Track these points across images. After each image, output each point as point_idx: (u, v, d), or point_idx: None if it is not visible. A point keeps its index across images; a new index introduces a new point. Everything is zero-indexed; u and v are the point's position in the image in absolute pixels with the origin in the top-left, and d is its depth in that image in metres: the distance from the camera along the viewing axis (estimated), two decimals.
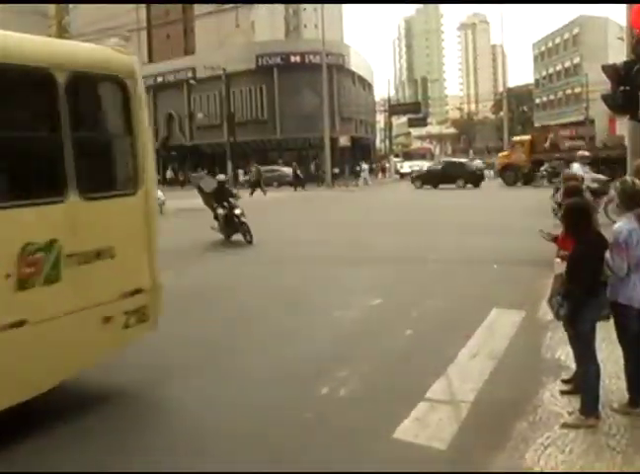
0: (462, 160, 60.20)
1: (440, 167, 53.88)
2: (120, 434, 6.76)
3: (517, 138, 56.47)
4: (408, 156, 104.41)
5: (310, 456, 6.19)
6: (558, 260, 6.73)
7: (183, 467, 5.99)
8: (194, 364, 8.95)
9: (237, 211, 20.99)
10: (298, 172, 54.35)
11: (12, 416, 6.18)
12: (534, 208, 25.68)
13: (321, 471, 5.82)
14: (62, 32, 69.81)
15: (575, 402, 6.68)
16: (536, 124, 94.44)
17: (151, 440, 6.64)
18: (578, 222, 6.48)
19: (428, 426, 6.61)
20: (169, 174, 73.01)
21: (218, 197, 21.49)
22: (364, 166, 61.66)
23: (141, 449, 6.43)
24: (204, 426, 6.90)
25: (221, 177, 23.16)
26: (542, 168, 44.39)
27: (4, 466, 5.98)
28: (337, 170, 61.87)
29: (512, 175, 50.20)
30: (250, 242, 20.68)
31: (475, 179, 50.40)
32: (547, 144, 50.95)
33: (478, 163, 60.86)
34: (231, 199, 21.32)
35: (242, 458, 6.17)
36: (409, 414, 6.86)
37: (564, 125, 74.74)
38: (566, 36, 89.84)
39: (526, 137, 54.15)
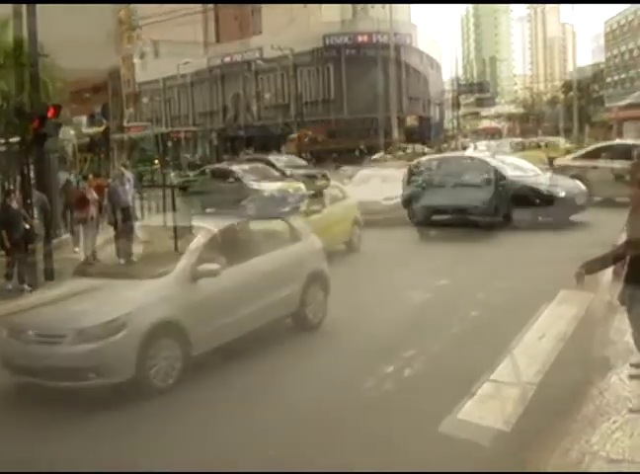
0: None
1: None
2: None
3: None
4: (476, 136, 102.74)
5: (371, 435, 6.25)
6: None
7: None
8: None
9: None
10: None
11: None
12: None
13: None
14: (130, 15, 70.60)
15: None
16: (607, 104, 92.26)
17: None
18: None
19: (493, 407, 6.58)
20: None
21: None
22: None
23: None
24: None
25: None
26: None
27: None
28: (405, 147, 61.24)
29: None
30: None
31: None
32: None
33: None
34: None
35: (301, 434, 6.35)
36: (474, 395, 6.84)
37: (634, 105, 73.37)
38: None
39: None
